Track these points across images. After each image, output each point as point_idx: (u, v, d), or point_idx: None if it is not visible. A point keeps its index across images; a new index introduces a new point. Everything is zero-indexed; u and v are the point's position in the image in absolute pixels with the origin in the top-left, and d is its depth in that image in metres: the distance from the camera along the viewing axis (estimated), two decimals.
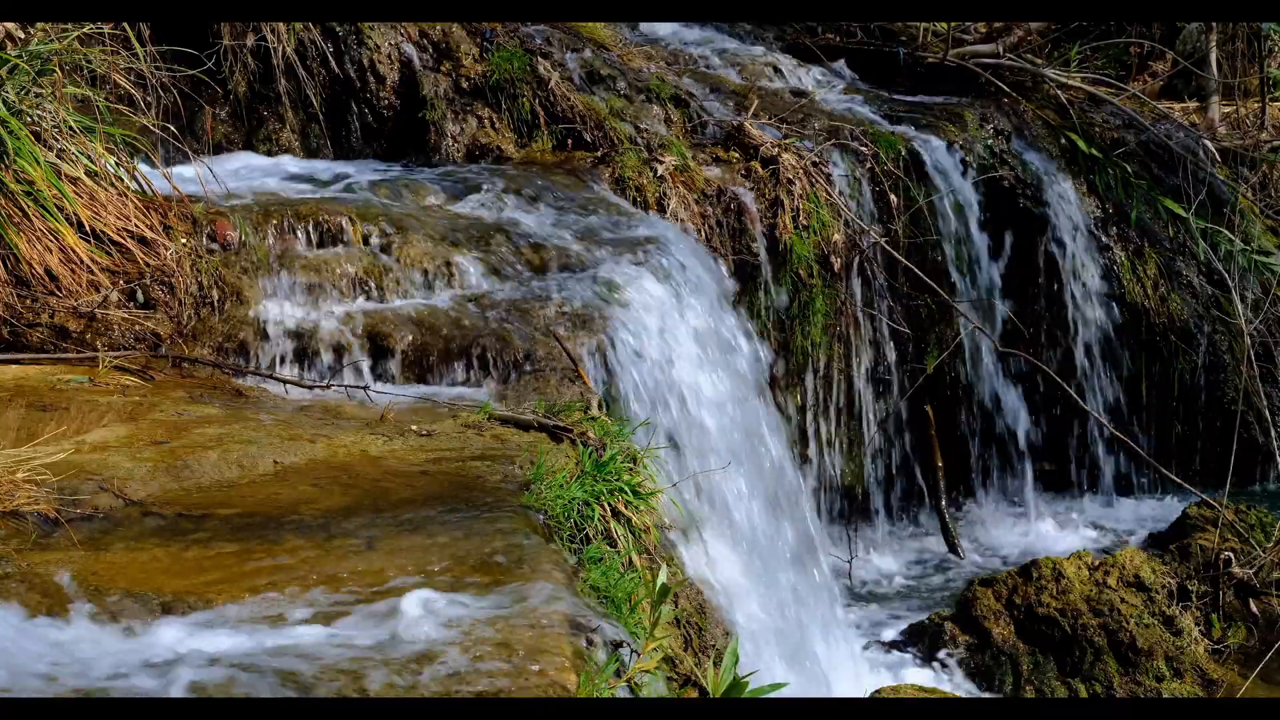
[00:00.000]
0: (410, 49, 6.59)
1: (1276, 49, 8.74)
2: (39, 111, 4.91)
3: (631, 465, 4.09)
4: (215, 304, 4.92)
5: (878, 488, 7.23)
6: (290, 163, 6.32)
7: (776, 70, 7.80)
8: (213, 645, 2.60)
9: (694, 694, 3.75)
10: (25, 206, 4.67)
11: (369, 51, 6.52)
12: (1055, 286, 7.58)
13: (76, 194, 4.81)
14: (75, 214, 4.78)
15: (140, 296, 4.81)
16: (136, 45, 5.48)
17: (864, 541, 7.12)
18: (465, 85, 6.60)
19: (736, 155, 6.80)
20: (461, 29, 6.72)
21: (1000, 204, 7.48)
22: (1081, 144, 7.74)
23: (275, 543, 3.12)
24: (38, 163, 4.70)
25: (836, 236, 6.75)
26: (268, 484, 3.58)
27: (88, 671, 2.47)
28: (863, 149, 7.04)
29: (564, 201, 6.02)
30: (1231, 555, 5.72)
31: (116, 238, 4.86)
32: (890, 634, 6.15)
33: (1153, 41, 8.64)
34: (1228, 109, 8.43)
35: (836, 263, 6.76)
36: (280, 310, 4.97)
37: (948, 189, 7.19)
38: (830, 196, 6.76)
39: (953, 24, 8.09)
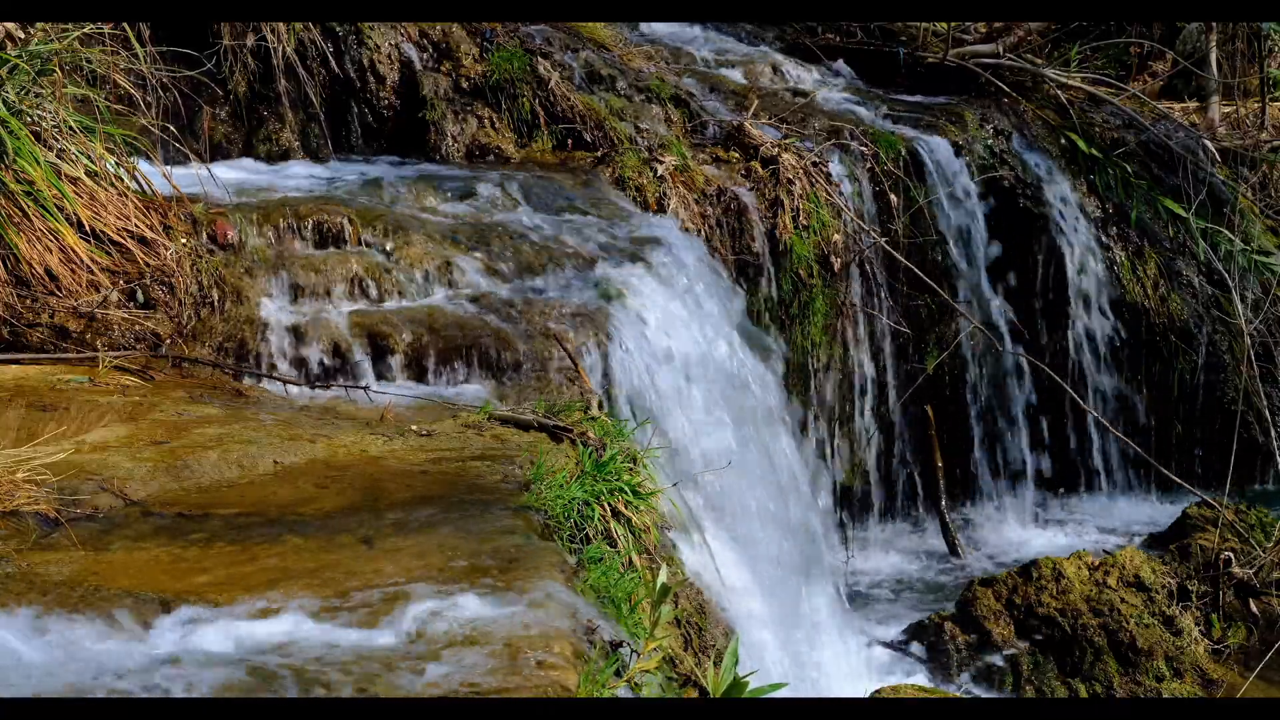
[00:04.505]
0: (410, 49, 6.59)
1: (1276, 49, 8.74)
2: (39, 111, 4.90)
3: (631, 465, 4.09)
4: (215, 304, 4.92)
5: (877, 487, 7.22)
6: (290, 163, 6.32)
7: (776, 70, 7.81)
8: (213, 644, 2.60)
9: (694, 694, 3.75)
10: (25, 206, 4.66)
11: (369, 51, 6.52)
12: (1055, 286, 7.58)
13: (76, 194, 4.81)
14: (75, 214, 4.77)
15: (140, 296, 4.81)
16: (136, 45, 5.48)
17: (864, 541, 7.11)
18: (465, 85, 6.60)
19: (736, 155, 6.79)
20: (461, 29, 6.71)
21: (1000, 204, 7.48)
22: (1081, 144, 7.74)
23: (275, 542, 3.12)
24: (38, 163, 4.70)
25: (836, 236, 6.75)
26: (268, 484, 3.58)
27: (88, 671, 2.47)
28: (863, 149, 7.04)
29: (564, 201, 6.02)
30: (1231, 555, 5.72)
31: (116, 238, 4.85)
32: (890, 634, 6.14)
33: (1153, 41, 8.64)
34: (1228, 109, 8.43)
35: (836, 263, 6.76)
36: (280, 310, 4.97)
37: (947, 189, 7.19)
38: (830, 196, 6.76)
39: (953, 24, 8.09)
